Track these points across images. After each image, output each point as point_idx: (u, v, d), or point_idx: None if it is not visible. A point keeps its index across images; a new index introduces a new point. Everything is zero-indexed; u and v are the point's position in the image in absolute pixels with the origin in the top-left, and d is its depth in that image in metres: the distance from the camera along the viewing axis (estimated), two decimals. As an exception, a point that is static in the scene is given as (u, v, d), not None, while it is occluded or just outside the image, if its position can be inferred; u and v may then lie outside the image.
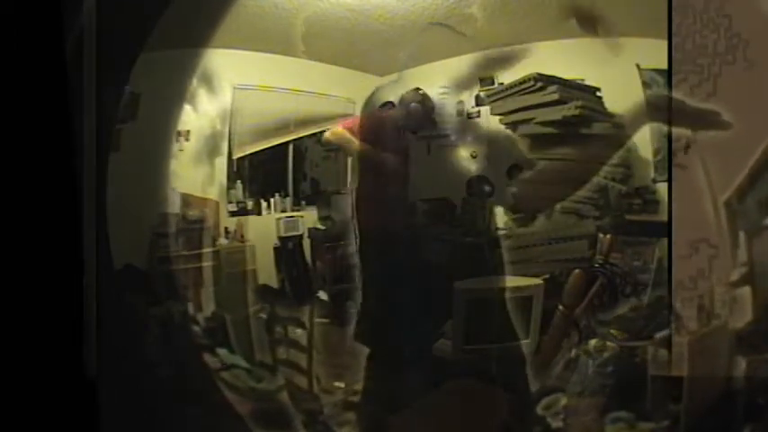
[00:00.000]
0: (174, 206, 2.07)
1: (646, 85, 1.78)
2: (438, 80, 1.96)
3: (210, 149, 2.12)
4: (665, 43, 1.59)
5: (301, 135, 2.18)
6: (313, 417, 1.96)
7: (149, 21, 1.84)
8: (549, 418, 1.78)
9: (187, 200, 2.10)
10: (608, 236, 1.84)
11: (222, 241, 2.13)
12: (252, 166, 2.18)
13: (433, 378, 1.87)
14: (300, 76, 2.08)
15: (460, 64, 1.93)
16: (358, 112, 2.01)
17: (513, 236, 1.93)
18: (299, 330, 2.06)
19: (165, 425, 1.80)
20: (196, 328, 2.05)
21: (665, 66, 1.63)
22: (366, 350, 1.95)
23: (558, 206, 1.90)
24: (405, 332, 1.89)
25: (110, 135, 1.88)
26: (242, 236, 2.15)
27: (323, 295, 2.09)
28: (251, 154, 2.17)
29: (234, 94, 2.10)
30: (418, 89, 1.95)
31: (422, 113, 1.94)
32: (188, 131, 2.09)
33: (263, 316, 2.08)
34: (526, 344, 1.86)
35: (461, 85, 1.94)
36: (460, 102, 1.98)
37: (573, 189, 1.88)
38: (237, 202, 2.15)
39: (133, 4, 1.84)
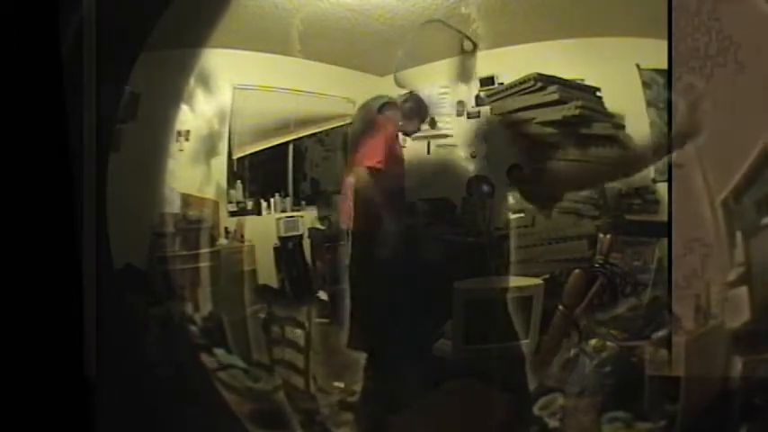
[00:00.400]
0: (174, 206, 2.07)
1: (646, 85, 1.78)
2: (438, 80, 1.97)
3: (211, 149, 2.12)
4: (665, 43, 1.59)
5: (301, 135, 2.18)
6: (311, 417, 1.96)
7: (149, 20, 1.84)
8: (545, 417, 1.78)
9: (187, 200, 2.10)
10: (608, 236, 1.84)
11: (222, 241, 2.13)
12: (252, 166, 2.18)
13: (433, 378, 1.86)
14: (300, 75, 2.08)
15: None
16: (356, 113, 2.02)
17: (514, 236, 1.93)
18: (298, 330, 2.07)
19: (165, 425, 1.80)
20: (194, 328, 2.05)
21: (665, 66, 1.63)
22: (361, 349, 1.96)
23: (558, 206, 1.91)
24: (405, 332, 1.89)
25: (110, 135, 1.87)
26: (242, 236, 2.15)
27: (323, 295, 2.09)
28: (251, 154, 2.17)
29: (234, 94, 2.10)
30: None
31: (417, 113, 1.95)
32: (188, 131, 2.09)
33: (263, 316, 2.08)
34: (526, 344, 1.86)
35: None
36: (460, 102, 1.99)
37: (573, 189, 1.88)
38: (237, 202, 2.15)
39: (133, 3, 1.84)
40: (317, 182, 2.18)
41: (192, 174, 2.11)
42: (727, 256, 1.53)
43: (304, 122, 2.16)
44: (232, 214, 2.15)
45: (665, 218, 1.63)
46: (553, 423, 1.78)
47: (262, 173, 2.20)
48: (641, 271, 1.81)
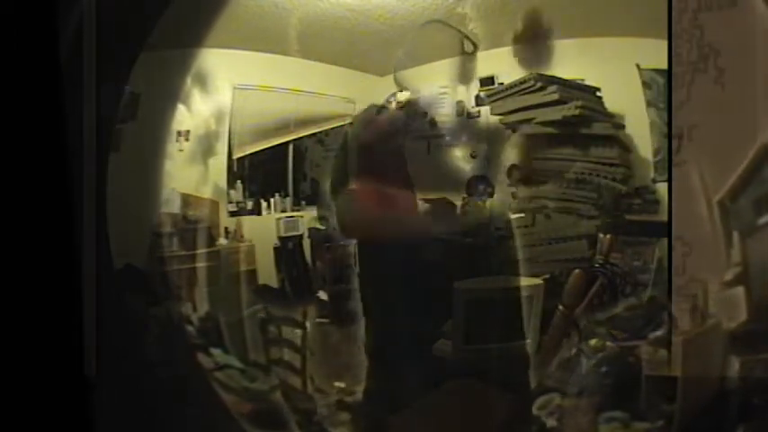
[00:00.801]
0: (174, 206, 2.07)
1: (646, 85, 1.78)
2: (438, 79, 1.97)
3: (211, 149, 2.12)
4: (665, 43, 1.59)
5: (301, 135, 2.18)
6: (308, 417, 1.96)
7: (149, 20, 1.84)
8: (543, 417, 1.78)
9: (187, 200, 2.10)
10: (608, 236, 1.84)
11: (222, 241, 2.13)
12: (252, 166, 2.18)
13: (433, 378, 1.86)
14: (300, 75, 2.08)
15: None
16: (357, 113, 2.01)
17: (513, 236, 1.93)
18: (297, 331, 2.07)
19: (165, 425, 1.80)
20: (193, 329, 2.05)
21: (665, 66, 1.63)
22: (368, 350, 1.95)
23: (558, 206, 1.91)
24: (405, 332, 1.89)
25: (109, 135, 1.87)
26: (242, 236, 2.15)
27: (323, 295, 2.09)
28: (251, 154, 2.17)
29: (234, 93, 2.10)
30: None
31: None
32: (188, 131, 2.09)
33: (263, 316, 2.08)
34: (526, 344, 1.86)
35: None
36: (460, 102, 1.99)
37: (572, 189, 1.88)
38: (237, 202, 2.15)
39: (133, 3, 1.84)
40: (316, 182, 2.18)
41: (191, 174, 2.11)
42: (724, 256, 1.53)
43: (304, 122, 2.16)
44: (232, 214, 2.15)
45: (665, 218, 1.63)
46: (551, 423, 1.78)
47: (262, 173, 2.20)
48: (641, 271, 1.81)
